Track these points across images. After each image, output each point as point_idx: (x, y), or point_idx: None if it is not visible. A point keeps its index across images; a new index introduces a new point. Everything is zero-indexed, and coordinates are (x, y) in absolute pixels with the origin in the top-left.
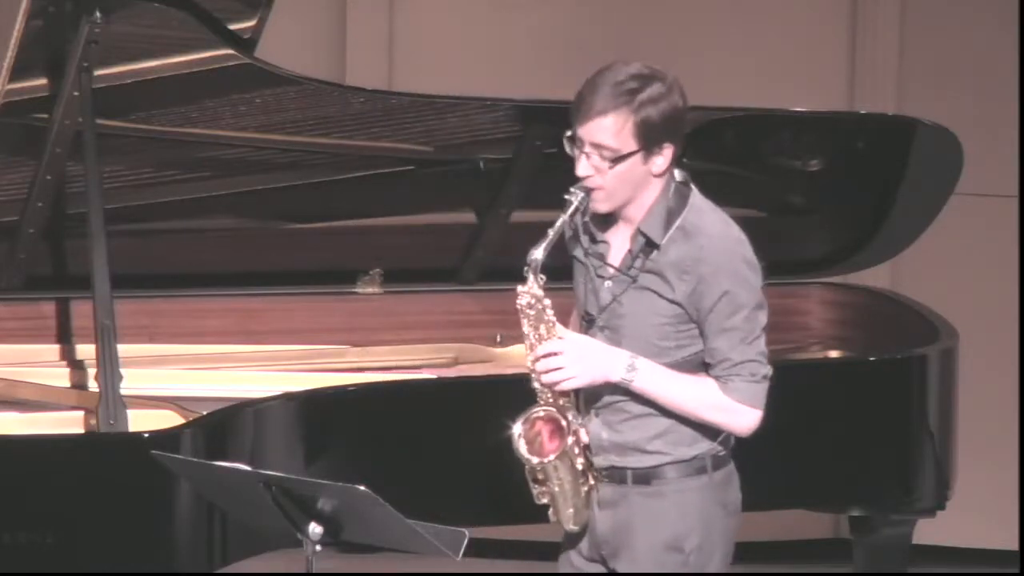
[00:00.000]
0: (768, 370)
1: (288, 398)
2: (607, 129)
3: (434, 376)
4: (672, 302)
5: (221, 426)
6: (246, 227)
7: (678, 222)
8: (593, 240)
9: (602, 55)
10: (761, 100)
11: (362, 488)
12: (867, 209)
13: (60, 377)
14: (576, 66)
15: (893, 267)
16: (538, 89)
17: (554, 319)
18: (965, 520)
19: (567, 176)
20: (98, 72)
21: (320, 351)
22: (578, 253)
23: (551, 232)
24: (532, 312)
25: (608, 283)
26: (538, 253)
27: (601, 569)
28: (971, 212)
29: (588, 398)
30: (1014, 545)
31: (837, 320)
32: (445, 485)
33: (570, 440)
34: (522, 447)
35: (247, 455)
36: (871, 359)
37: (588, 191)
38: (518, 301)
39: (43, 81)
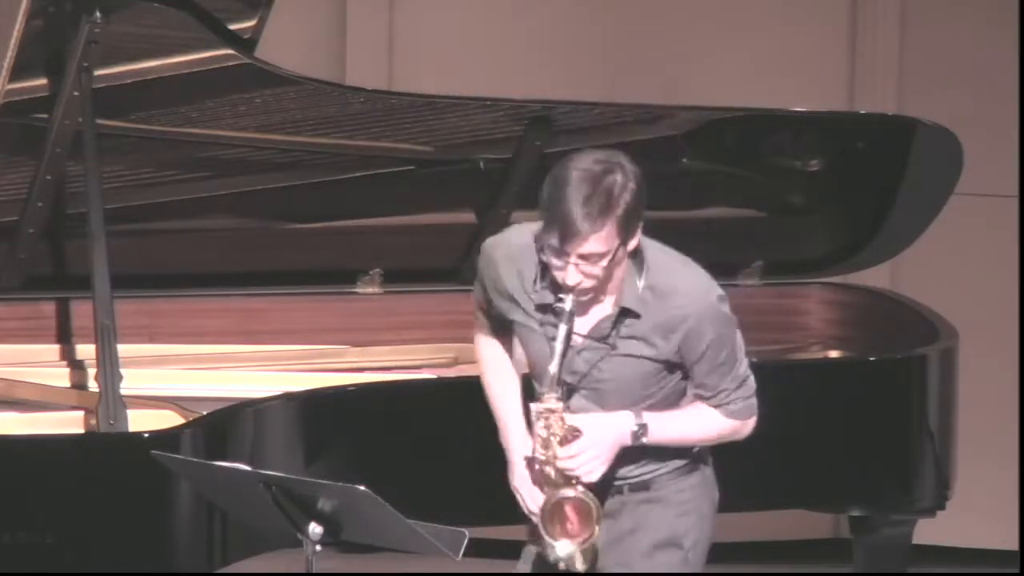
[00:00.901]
0: (753, 381)
1: (288, 398)
2: (600, 241)
3: (434, 376)
4: (658, 360)
5: (221, 426)
6: (246, 227)
7: (643, 282)
8: (544, 309)
9: (602, 55)
10: (761, 100)
11: (362, 488)
12: (867, 209)
13: (60, 377)
14: (576, 66)
15: (893, 267)
16: (538, 89)
17: (564, 418)
18: (965, 520)
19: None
20: (98, 72)
21: (320, 351)
22: (521, 319)
23: (558, 347)
24: (551, 419)
25: (583, 353)
26: (553, 368)
27: None
28: (971, 212)
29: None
30: (1014, 545)
31: (837, 320)
32: (445, 485)
33: (597, 529)
34: (576, 560)
35: (247, 455)
36: (871, 359)
37: (578, 294)
38: (534, 410)
39: (43, 81)
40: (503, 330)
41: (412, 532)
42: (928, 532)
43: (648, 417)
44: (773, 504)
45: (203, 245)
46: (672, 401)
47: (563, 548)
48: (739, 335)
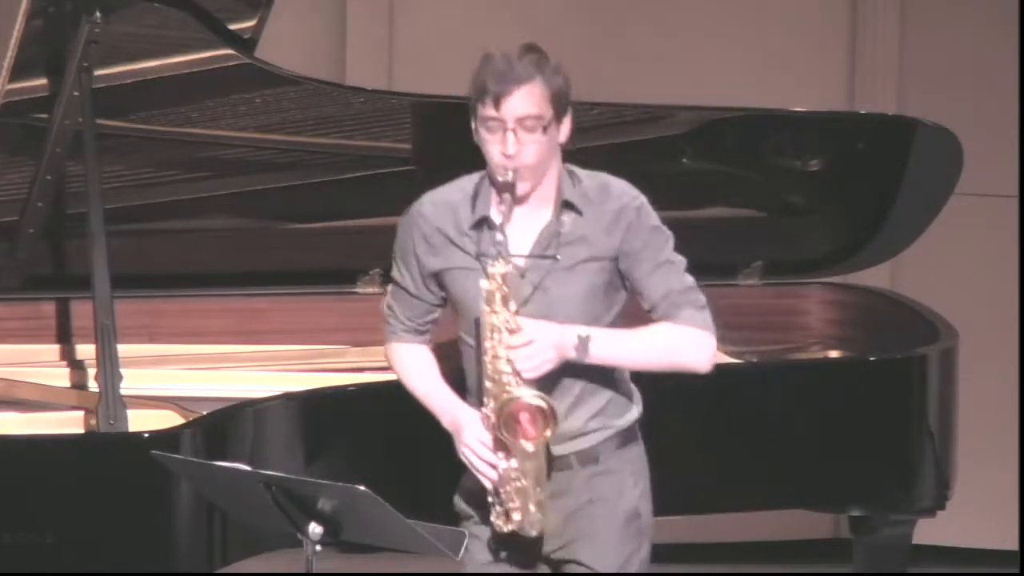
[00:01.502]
0: (704, 298)
1: (288, 398)
2: (533, 97)
3: None
4: (603, 260)
5: (221, 426)
6: (246, 227)
7: (579, 188)
8: (470, 238)
9: (601, 55)
10: (761, 100)
11: (362, 488)
12: (867, 209)
13: (60, 377)
14: (576, 66)
15: (893, 267)
16: None
17: (514, 306)
18: (965, 520)
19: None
20: (98, 72)
21: (320, 351)
22: (457, 262)
23: (502, 212)
24: (498, 296)
25: (528, 274)
26: (499, 237)
27: (542, 569)
28: (971, 212)
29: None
30: (1014, 545)
31: (837, 320)
32: (445, 485)
33: (548, 432)
34: (503, 431)
35: (247, 455)
36: (871, 359)
37: (515, 169)
38: (484, 286)
39: (43, 81)
40: (423, 327)
41: (412, 532)
42: (928, 532)
43: (594, 330)
44: (773, 504)
45: (203, 245)
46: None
47: (526, 449)
48: (681, 257)
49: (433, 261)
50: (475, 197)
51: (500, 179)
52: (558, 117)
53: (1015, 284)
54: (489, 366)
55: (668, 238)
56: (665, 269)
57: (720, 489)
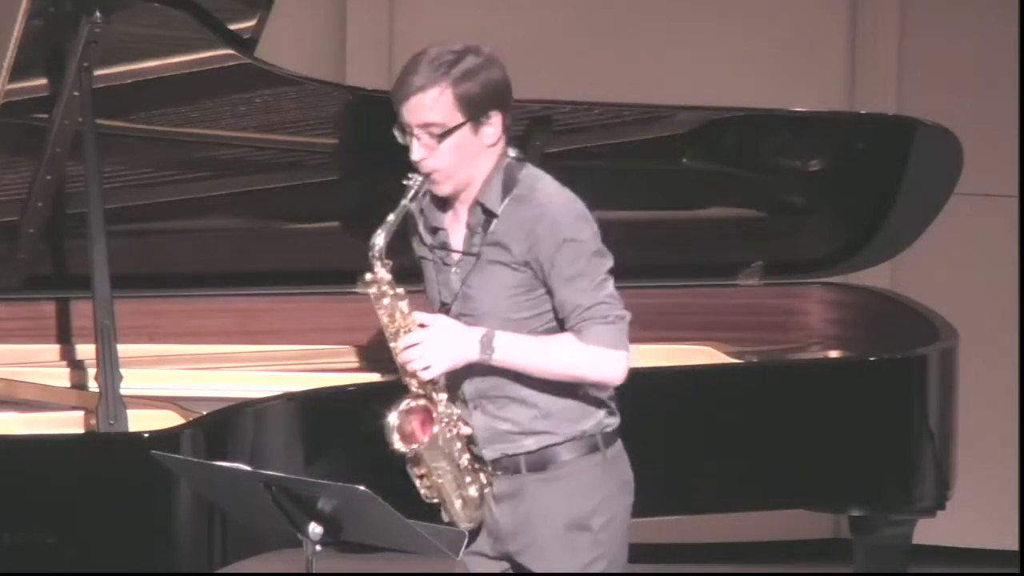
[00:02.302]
0: (622, 312)
1: (288, 398)
2: (428, 105)
3: None
4: (516, 267)
5: (221, 426)
6: (246, 227)
7: (514, 191)
8: (433, 232)
9: (601, 55)
10: (761, 100)
11: (362, 488)
12: (867, 209)
13: (60, 377)
14: (575, 66)
15: (893, 267)
16: (537, 89)
17: (407, 307)
18: (965, 520)
19: (566, 175)
20: (98, 72)
21: (320, 351)
22: (423, 251)
23: (391, 217)
24: (385, 301)
25: (455, 269)
26: (379, 239)
27: (507, 567)
28: (971, 212)
29: (468, 392)
30: (1014, 545)
31: (837, 320)
32: None
33: (440, 426)
34: (395, 438)
35: (247, 455)
36: (871, 359)
37: (427, 175)
38: (369, 291)
39: (43, 81)
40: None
41: (412, 532)
42: (928, 532)
43: (500, 334)
44: (773, 504)
45: (203, 245)
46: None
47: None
48: (606, 262)
49: (414, 246)
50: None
51: (405, 183)
52: (474, 120)
53: (1015, 284)
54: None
55: (581, 251)
56: (575, 283)
57: (720, 489)
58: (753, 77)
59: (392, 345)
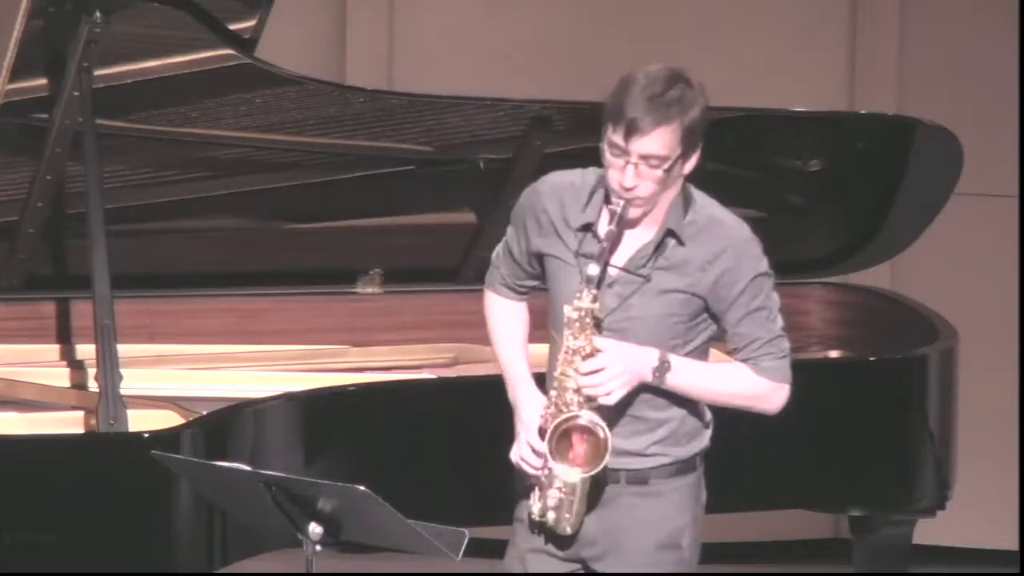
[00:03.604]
0: (788, 344)
1: (288, 398)
2: (663, 142)
3: (434, 376)
4: (693, 295)
5: (221, 426)
6: (246, 227)
7: (689, 216)
8: (581, 240)
9: (601, 55)
10: (761, 100)
11: (362, 488)
12: (867, 209)
13: (60, 377)
14: (576, 66)
15: (893, 267)
16: (538, 89)
17: (595, 331)
18: (965, 520)
19: None
20: (98, 72)
21: (320, 351)
22: (558, 252)
23: (605, 245)
24: (578, 325)
25: (615, 286)
26: (592, 271)
27: (577, 569)
28: (971, 212)
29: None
30: (1014, 545)
31: (837, 320)
32: (445, 485)
33: (607, 458)
34: (552, 449)
35: (247, 455)
36: (871, 359)
37: (629, 200)
38: (568, 315)
39: (43, 81)
40: (520, 288)
41: (412, 532)
42: (928, 532)
43: (675, 358)
44: (773, 504)
45: (203, 245)
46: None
47: (565, 473)
48: (776, 294)
49: (538, 241)
50: (591, 195)
51: (610, 208)
52: (686, 154)
53: (1015, 284)
54: (556, 382)
55: (766, 285)
56: (755, 316)
57: (720, 489)
58: (753, 77)
59: (560, 364)
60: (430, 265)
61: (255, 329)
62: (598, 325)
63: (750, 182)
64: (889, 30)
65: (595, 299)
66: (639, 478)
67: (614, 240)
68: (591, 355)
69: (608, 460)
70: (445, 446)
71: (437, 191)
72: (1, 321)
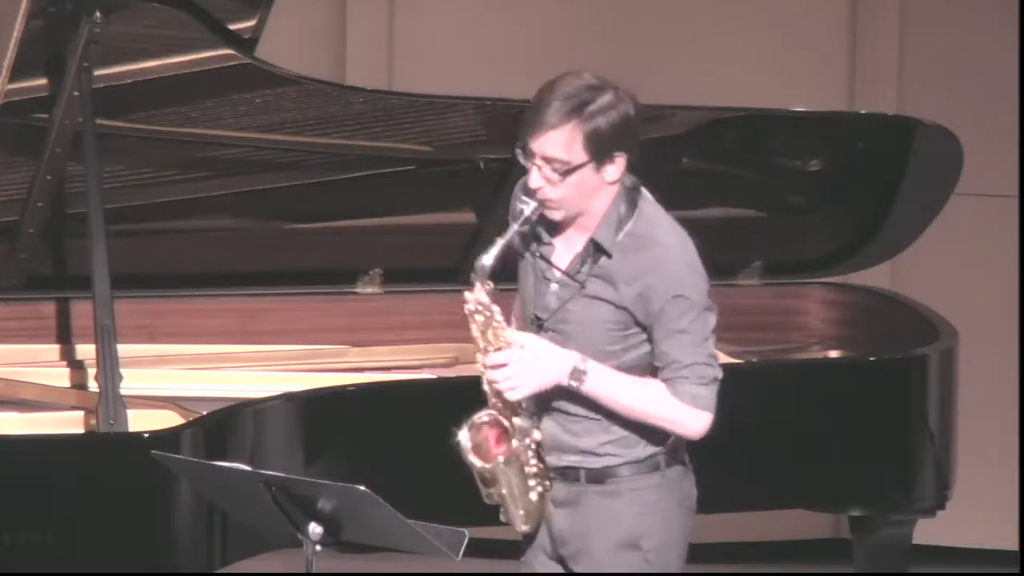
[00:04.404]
0: (718, 372)
1: (288, 398)
2: (556, 143)
3: (434, 376)
4: (619, 307)
5: (221, 426)
6: (246, 227)
7: (627, 228)
8: (539, 241)
9: (601, 55)
10: (761, 100)
11: (362, 488)
12: (867, 209)
13: (60, 377)
14: (576, 66)
15: (893, 267)
16: (537, 89)
17: (502, 324)
18: (965, 520)
19: None
20: (98, 72)
21: (320, 351)
22: (518, 245)
23: (500, 240)
24: (480, 318)
25: (555, 287)
26: (487, 260)
27: (559, 569)
28: (971, 212)
29: (540, 400)
30: (1014, 545)
31: (837, 320)
32: (445, 485)
33: (515, 443)
34: (468, 452)
35: (247, 455)
36: (871, 359)
37: (541, 202)
38: (465, 307)
39: (43, 81)
40: None
41: (412, 532)
42: (928, 532)
43: (593, 365)
44: (774, 504)
45: (203, 245)
46: (636, 373)
47: (477, 464)
48: (712, 319)
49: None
50: None
51: (519, 205)
52: (597, 160)
53: (1015, 284)
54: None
55: (690, 307)
56: (676, 339)
57: (720, 489)
58: (753, 77)
59: (480, 359)
60: (430, 265)
61: (255, 329)
62: (537, 320)
63: (750, 182)
64: (889, 30)
65: (485, 292)
66: (596, 477)
67: (510, 237)
68: (500, 349)
69: (549, 442)
70: (445, 446)
71: (437, 191)
72: (1, 321)
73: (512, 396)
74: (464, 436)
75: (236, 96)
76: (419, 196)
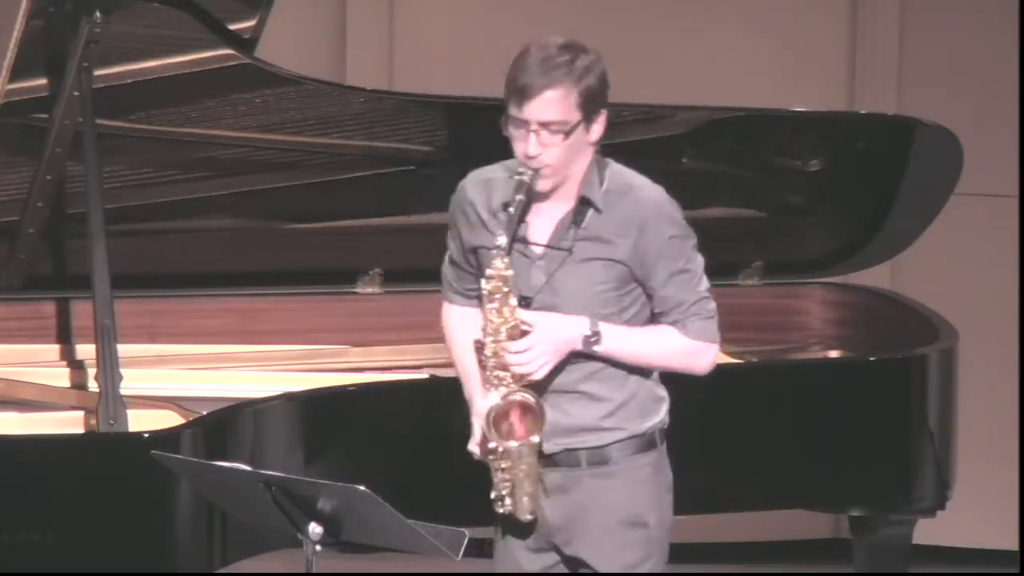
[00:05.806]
0: (714, 304)
1: (288, 398)
2: (555, 104)
3: (434, 376)
4: (616, 262)
5: (221, 426)
6: (246, 227)
7: (605, 185)
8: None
9: (601, 55)
10: (761, 100)
11: (362, 488)
12: (867, 209)
13: (60, 377)
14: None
15: (893, 267)
16: None
17: (515, 303)
18: (965, 520)
19: None
20: (98, 72)
21: (320, 351)
22: (487, 242)
23: (512, 212)
24: (498, 296)
25: (539, 262)
26: (502, 239)
27: (552, 558)
28: (971, 212)
29: (541, 385)
30: (1014, 545)
31: (837, 320)
32: (445, 485)
33: (546, 419)
34: (492, 432)
35: (247, 455)
36: (871, 359)
37: (536, 170)
38: (484, 287)
39: (43, 81)
40: (468, 292)
41: (412, 532)
42: (928, 532)
43: (604, 326)
44: (773, 504)
45: (203, 245)
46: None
47: (509, 448)
48: (700, 257)
49: (468, 236)
50: (509, 181)
51: (516, 178)
52: (587, 119)
53: (1015, 284)
54: (490, 362)
55: (685, 246)
56: (678, 280)
57: (720, 489)
58: (753, 77)
59: (489, 340)
60: (430, 265)
61: (255, 329)
62: (523, 299)
63: (750, 182)
64: (889, 30)
65: (508, 266)
66: (599, 458)
67: (522, 208)
68: (515, 329)
69: (547, 428)
70: (445, 446)
71: (437, 191)
72: (1, 321)
73: (538, 376)
74: (493, 410)
75: (236, 96)
76: (419, 196)
